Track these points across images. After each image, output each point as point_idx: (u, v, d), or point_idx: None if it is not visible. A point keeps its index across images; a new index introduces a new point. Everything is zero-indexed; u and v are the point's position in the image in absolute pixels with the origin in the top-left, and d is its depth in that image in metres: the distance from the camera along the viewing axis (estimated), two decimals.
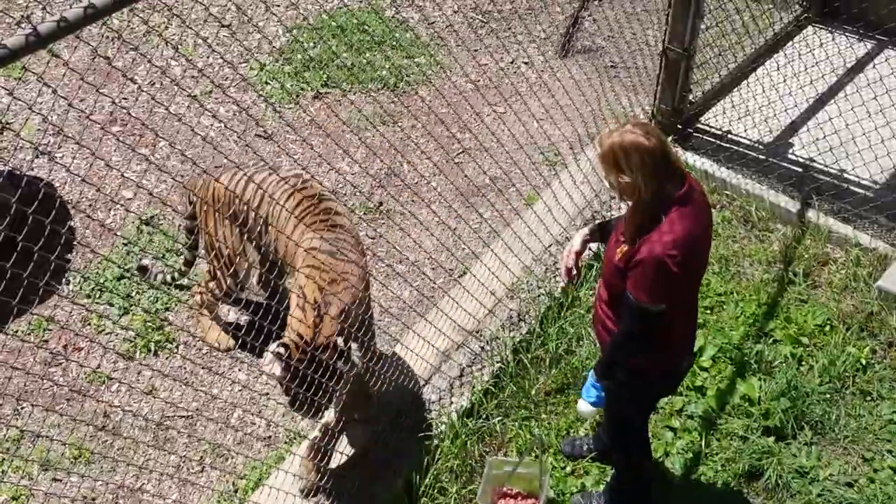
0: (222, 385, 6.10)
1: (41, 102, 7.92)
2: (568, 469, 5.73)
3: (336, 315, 4.98)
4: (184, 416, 5.97)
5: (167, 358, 6.28)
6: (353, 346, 5.01)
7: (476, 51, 8.60)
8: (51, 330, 6.45)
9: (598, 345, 5.03)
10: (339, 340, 4.94)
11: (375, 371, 5.50)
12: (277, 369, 4.88)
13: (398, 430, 5.82)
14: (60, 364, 6.26)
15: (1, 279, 3.85)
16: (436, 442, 5.75)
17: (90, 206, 7.24)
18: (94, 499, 5.56)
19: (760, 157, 7.38)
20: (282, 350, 4.88)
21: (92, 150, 3.92)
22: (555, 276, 6.71)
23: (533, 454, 5.64)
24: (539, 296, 6.60)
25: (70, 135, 6.30)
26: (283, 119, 7.98)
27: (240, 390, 6.04)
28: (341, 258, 5.22)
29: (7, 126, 7.76)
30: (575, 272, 4.79)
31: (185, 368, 6.18)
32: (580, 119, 7.44)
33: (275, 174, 5.64)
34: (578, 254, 4.77)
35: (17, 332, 6.36)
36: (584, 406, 4.80)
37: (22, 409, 6.00)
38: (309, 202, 5.50)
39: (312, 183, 5.65)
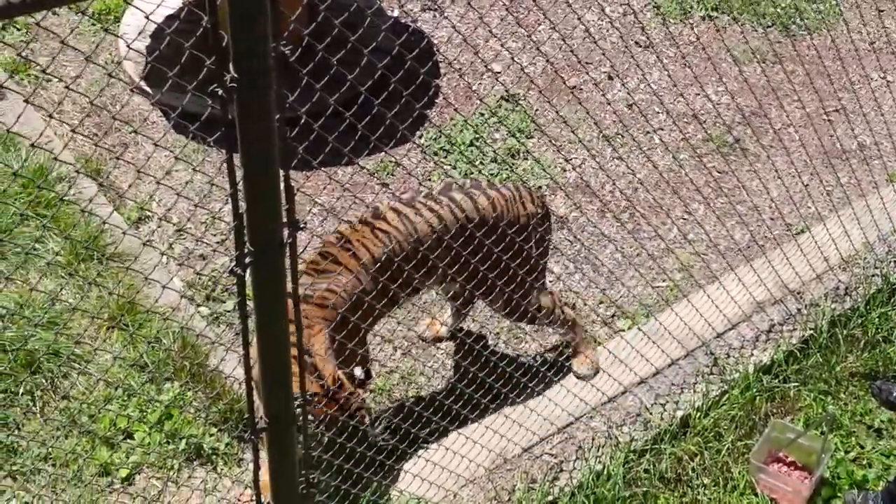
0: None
1: None
2: (851, 455, 5.53)
3: (323, 349, 4.63)
4: None
5: None
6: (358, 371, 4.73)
7: (882, 11, 8.18)
8: (394, 175, 6.73)
9: None
10: (340, 374, 4.63)
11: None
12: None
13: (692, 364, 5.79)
14: None
15: (367, 114, 4.07)
16: (725, 387, 5.68)
17: (461, 68, 7.46)
18: (390, 341, 5.84)
19: None
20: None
21: (480, 16, 4.02)
22: (895, 261, 6.41)
23: (819, 429, 5.48)
24: (873, 275, 6.33)
25: None
26: (668, 31, 7.90)
27: (550, 282, 6.13)
28: (319, 289, 4.77)
29: None
30: None
31: None
32: None
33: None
34: None
35: (366, 167, 6.68)
36: None
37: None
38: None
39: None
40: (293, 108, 2.85)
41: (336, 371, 4.62)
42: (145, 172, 4.72)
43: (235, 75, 2.50)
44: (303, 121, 3.37)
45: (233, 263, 2.88)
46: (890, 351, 5.93)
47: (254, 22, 2.42)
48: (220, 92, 2.53)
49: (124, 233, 4.38)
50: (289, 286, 3.01)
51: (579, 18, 4.59)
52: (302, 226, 2.97)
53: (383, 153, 6.62)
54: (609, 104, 5.40)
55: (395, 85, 3.69)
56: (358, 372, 4.77)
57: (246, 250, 2.85)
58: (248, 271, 2.89)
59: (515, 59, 6.79)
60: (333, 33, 3.35)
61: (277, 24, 2.51)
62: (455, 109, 6.94)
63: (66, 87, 5.36)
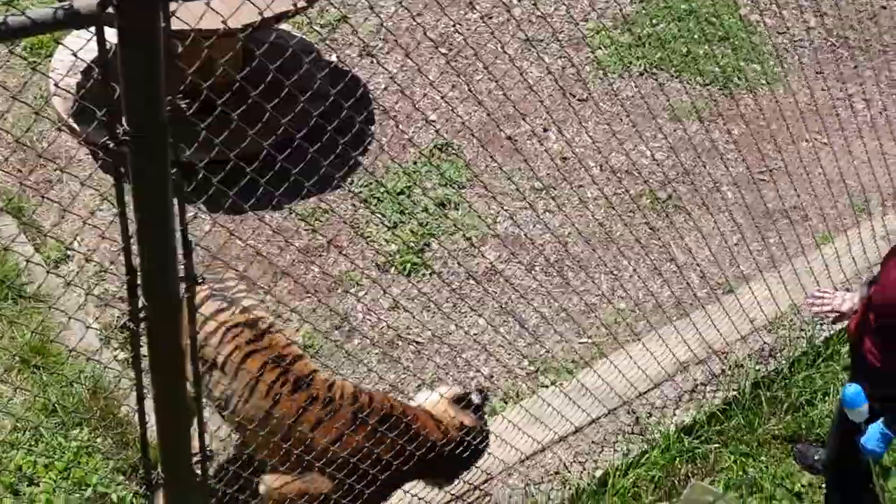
0: (460, 325, 6.16)
1: (382, 7, 8.16)
2: None
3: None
4: (414, 342, 6.08)
5: (418, 281, 6.39)
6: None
7: (819, 73, 8.26)
8: (321, 221, 6.67)
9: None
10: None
11: None
12: None
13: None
14: (321, 255, 6.48)
15: (302, 160, 4.08)
16: (645, 447, 5.65)
17: (394, 116, 7.43)
18: None
19: None
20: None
21: (418, 66, 4.00)
22: (821, 324, 6.42)
23: (739, 492, 5.46)
24: (798, 338, 6.35)
25: (401, 44, 6.49)
26: (607, 86, 7.93)
27: (474, 335, 6.08)
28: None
29: (346, 19, 8.04)
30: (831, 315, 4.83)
31: (429, 298, 6.26)
32: None
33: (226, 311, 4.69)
34: (840, 317, 4.79)
35: (297, 212, 6.61)
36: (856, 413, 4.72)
37: (275, 284, 6.24)
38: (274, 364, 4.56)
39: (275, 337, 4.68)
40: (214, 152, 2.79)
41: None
42: (69, 211, 4.67)
43: (128, 128, 2.44)
44: (214, 170, 3.32)
45: (125, 318, 2.80)
46: (813, 414, 5.93)
47: (146, 78, 2.36)
48: (112, 145, 2.47)
49: (20, 272, 4.27)
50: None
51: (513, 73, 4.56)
52: (200, 280, 2.90)
53: (318, 199, 6.60)
54: (522, 160, 5.37)
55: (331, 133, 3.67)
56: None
57: (140, 305, 2.78)
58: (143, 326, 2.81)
59: (453, 108, 6.77)
60: (233, 86, 3.30)
61: (173, 77, 2.45)
62: (393, 160, 6.90)
63: None
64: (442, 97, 6.00)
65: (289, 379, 4.48)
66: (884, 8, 9.09)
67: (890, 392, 4.45)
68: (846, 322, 4.89)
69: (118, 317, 5.85)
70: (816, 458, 5.68)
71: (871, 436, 4.50)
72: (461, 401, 4.81)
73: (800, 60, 8.37)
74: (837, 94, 7.99)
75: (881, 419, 4.49)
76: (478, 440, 4.81)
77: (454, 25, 8.13)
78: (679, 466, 5.61)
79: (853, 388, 4.62)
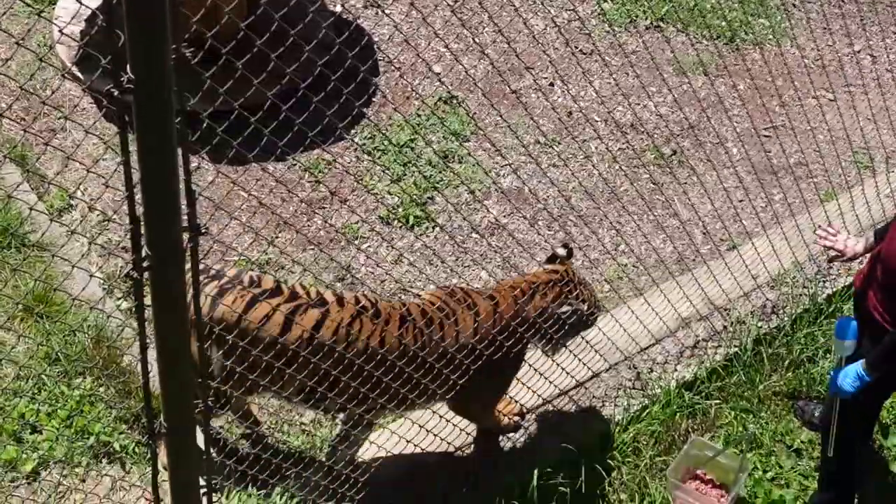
0: (462, 278, 6.16)
1: None
2: (769, 475, 5.53)
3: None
4: (417, 295, 6.07)
5: (421, 234, 6.38)
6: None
7: (826, 29, 8.20)
8: (324, 172, 6.65)
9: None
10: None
11: None
12: None
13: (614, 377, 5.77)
14: (324, 207, 6.47)
15: (306, 110, 4.05)
16: (646, 402, 5.66)
17: (399, 68, 7.39)
18: None
19: None
20: None
21: (423, 16, 3.98)
22: (824, 281, 6.42)
23: (738, 448, 5.48)
24: (801, 295, 6.34)
25: None
26: (615, 39, 7.88)
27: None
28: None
29: None
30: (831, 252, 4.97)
31: (433, 250, 6.26)
32: None
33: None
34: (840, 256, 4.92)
35: (300, 163, 6.59)
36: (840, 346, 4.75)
37: (278, 236, 6.24)
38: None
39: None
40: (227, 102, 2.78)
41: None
42: (74, 160, 4.64)
43: (132, 76, 2.42)
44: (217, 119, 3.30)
45: (129, 267, 2.80)
46: (814, 371, 5.93)
47: (151, 25, 2.34)
48: (116, 93, 2.45)
49: (23, 221, 4.26)
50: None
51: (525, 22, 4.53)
52: (204, 230, 2.89)
53: (323, 150, 6.56)
54: (526, 114, 5.34)
55: (335, 83, 3.64)
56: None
57: (144, 254, 2.77)
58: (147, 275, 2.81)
59: (457, 59, 6.72)
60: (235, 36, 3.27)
61: (178, 26, 2.43)
62: (396, 109, 6.86)
63: None
64: (446, 47, 5.96)
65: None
66: None
67: None
68: (845, 263, 4.96)
69: (121, 266, 5.85)
70: (816, 414, 5.69)
71: (848, 373, 4.54)
72: (551, 261, 5.17)
73: (807, 16, 8.30)
74: (844, 50, 7.95)
75: (861, 361, 4.52)
76: (574, 290, 5.04)
77: None
78: (679, 422, 5.62)
79: (849, 321, 4.68)
